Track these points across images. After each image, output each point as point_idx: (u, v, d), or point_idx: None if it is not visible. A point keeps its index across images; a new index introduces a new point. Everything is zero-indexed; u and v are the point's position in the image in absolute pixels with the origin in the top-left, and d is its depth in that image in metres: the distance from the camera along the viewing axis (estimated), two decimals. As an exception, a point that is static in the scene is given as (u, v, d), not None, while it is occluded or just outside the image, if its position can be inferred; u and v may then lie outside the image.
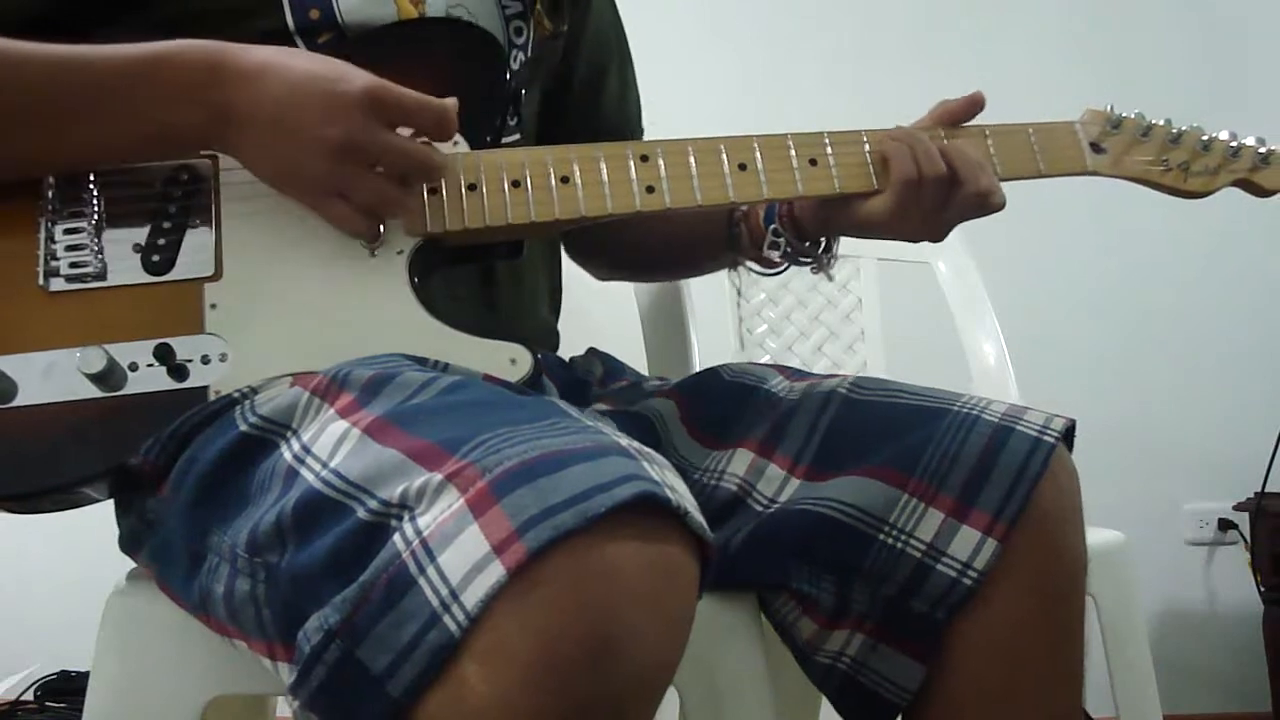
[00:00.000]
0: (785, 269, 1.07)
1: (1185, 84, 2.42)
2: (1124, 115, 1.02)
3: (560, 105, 1.11)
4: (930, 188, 0.93)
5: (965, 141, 0.97)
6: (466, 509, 0.57)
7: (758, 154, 0.93)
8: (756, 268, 1.09)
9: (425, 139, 0.84)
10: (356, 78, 0.79)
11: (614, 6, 1.21)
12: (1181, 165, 1.02)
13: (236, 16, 0.88)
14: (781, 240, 1.02)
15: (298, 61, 0.80)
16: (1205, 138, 1.03)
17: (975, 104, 0.99)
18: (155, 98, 0.80)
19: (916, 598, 0.82)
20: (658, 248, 1.19)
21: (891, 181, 0.93)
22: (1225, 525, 2.47)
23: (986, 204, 0.94)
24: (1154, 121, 1.03)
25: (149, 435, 0.79)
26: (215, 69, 0.80)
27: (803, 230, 1.02)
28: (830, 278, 1.07)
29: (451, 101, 0.84)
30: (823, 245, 1.03)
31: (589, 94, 1.15)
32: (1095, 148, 1.02)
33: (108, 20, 0.88)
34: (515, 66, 0.99)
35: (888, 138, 0.95)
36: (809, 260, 1.04)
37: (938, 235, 0.97)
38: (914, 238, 0.97)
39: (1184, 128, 1.03)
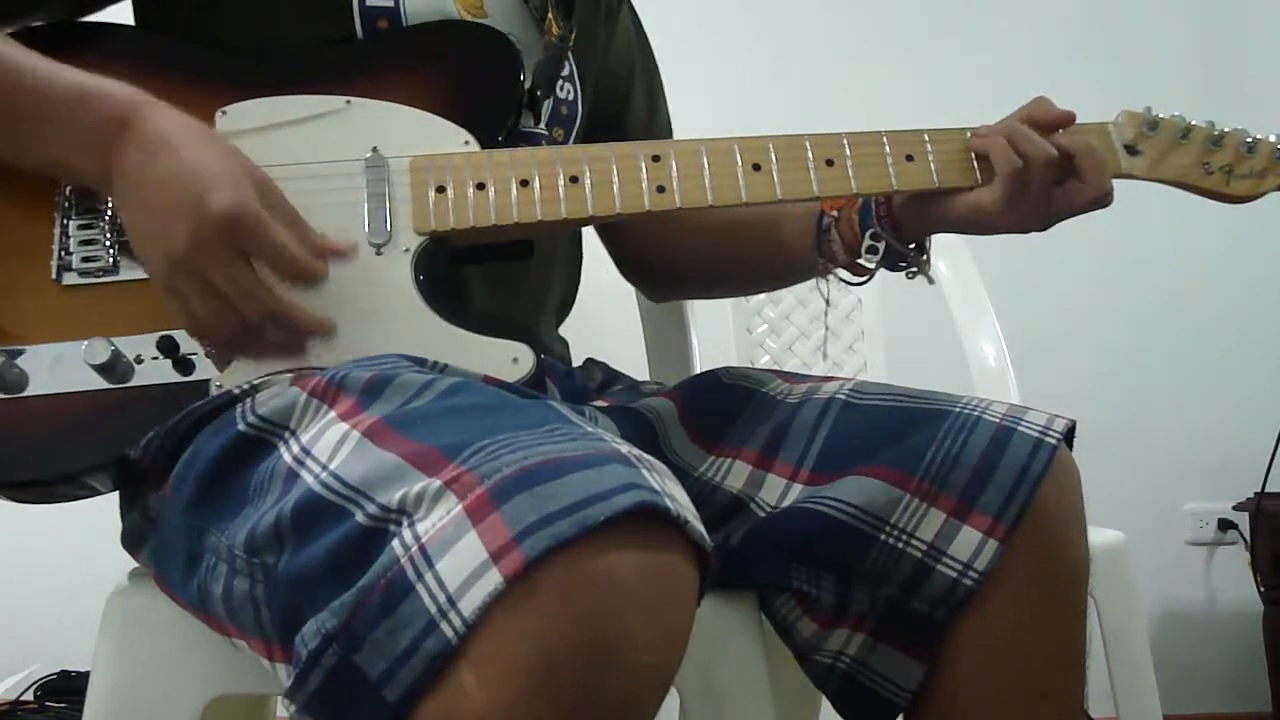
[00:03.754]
0: (873, 276, 1.02)
1: (1185, 85, 2.42)
2: (1161, 117, 0.98)
3: (584, 132, 1.08)
4: (1041, 172, 0.90)
5: (1092, 136, 0.94)
6: (465, 516, 0.57)
7: (772, 155, 0.92)
8: (847, 277, 1.04)
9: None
10: (227, 194, 0.76)
11: (639, 27, 1.20)
12: (1224, 168, 0.98)
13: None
14: (881, 245, 0.98)
15: (192, 151, 0.78)
16: (1250, 139, 0.99)
17: (1065, 119, 0.95)
18: (62, 133, 0.80)
19: (917, 598, 0.82)
20: (729, 266, 1.15)
21: (999, 174, 0.91)
22: (1225, 525, 2.48)
23: (1101, 202, 0.93)
24: (1194, 123, 0.99)
25: (154, 427, 0.79)
26: (121, 127, 0.79)
27: (902, 231, 0.98)
28: (931, 280, 1.02)
29: (315, 255, 0.80)
30: (919, 246, 0.99)
31: (612, 118, 1.13)
32: (1130, 150, 0.98)
33: None
34: (533, 69, 0.99)
35: (978, 135, 0.92)
36: (905, 264, 1.00)
37: (1045, 224, 0.94)
38: (1021, 229, 0.95)
39: (1226, 129, 0.99)
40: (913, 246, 0.99)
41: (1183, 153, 0.99)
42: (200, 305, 0.79)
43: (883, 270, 1.01)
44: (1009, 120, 0.94)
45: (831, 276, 1.06)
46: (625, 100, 1.17)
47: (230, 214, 0.76)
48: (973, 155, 0.94)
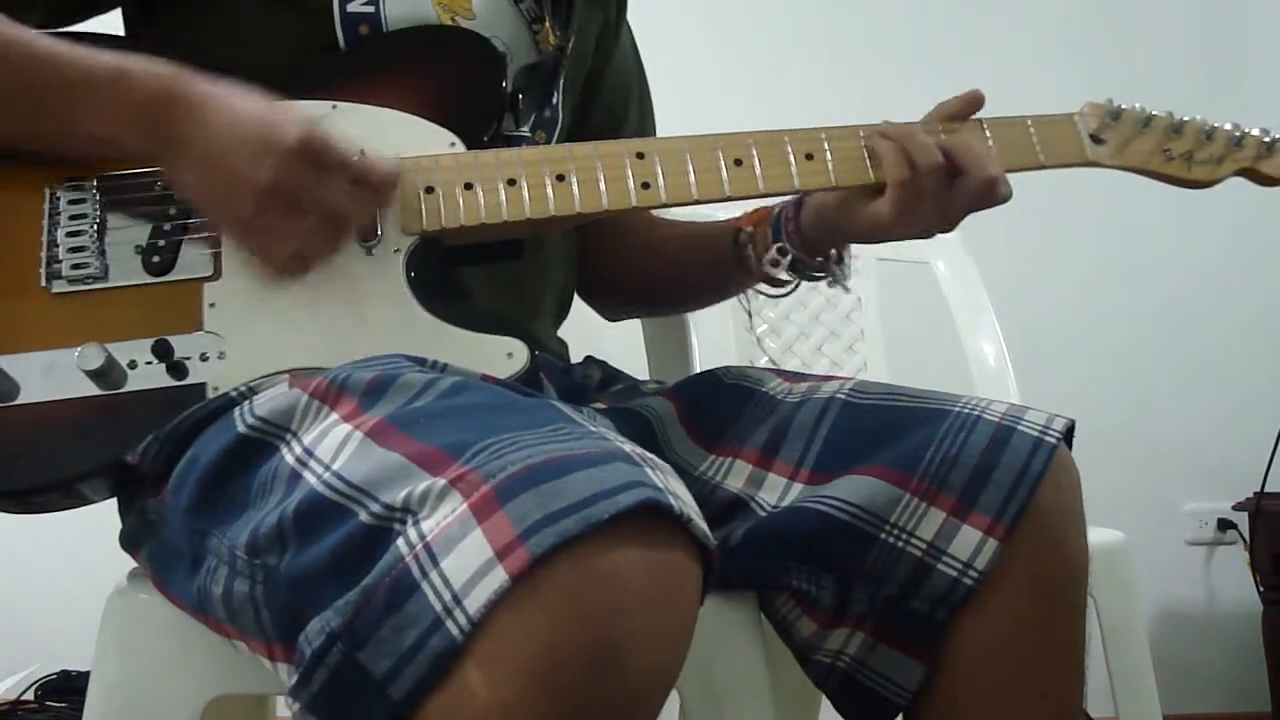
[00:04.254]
0: (795, 288, 1.06)
1: (1184, 80, 2.42)
2: (1124, 107, 1.02)
3: (578, 138, 1.10)
4: (929, 179, 0.92)
5: (966, 134, 0.96)
6: (470, 514, 0.57)
7: (754, 150, 0.93)
8: (767, 290, 1.08)
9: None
10: (294, 124, 0.80)
11: (633, 40, 1.21)
12: (1184, 155, 1.01)
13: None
14: (787, 258, 1.01)
15: (243, 101, 0.81)
16: (1208, 128, 1.02)
17: (973, 101, 0.98)
18: (108, 111, 0.81)
19: (917, 597, 0.82)
20: (666, 280, 1.19)
21: (889, 181, 0.93)
22: (1224, 525, 2.47)
23: (993, 193, 0.93)
24: (1154, 113, 1.02)
25: (149, 432, 0.79)
26: (167, 97, 0.81)
27: (810, 244, 1.01)
28: (846, 289, 1.06)
29: (391, 162, 0.84)
30: (834, 256, 1.02)
31: (607, 130, 1.15)
32: (1095, 139, 1.01)
33: None
34: (517, 73, 0.99)
35: (878, 134, 0.94)
36: (821, 274, 1.03)
37: (948, 226, 0.96)
38: (923, 233, 0.96)
39: (1185, 118, 1.02)
40: (825, 258, 1.01)
41: (1144, 140, 1.02)
42: (289, 232, 0.81)
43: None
44: (912, 125, 0.96)
45: (752, 291, 1.11)
46: (620, 123, 1.18)
47: (303, 137, 0.79)
48: (865, 155, 0.95)
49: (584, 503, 0.56)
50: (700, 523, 0.61)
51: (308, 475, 0.68)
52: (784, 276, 1.03)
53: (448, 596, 0.56)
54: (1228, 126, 1.03)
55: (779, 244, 1.02)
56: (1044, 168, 1.00)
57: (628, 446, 0.63)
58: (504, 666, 0.55)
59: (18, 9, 0.89)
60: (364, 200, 0.83)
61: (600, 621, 0.55)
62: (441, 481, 0.59)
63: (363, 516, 0.62)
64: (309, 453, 0.70)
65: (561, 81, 1.06)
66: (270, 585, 0.67)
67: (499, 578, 0.55)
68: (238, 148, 0.79)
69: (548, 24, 1.00)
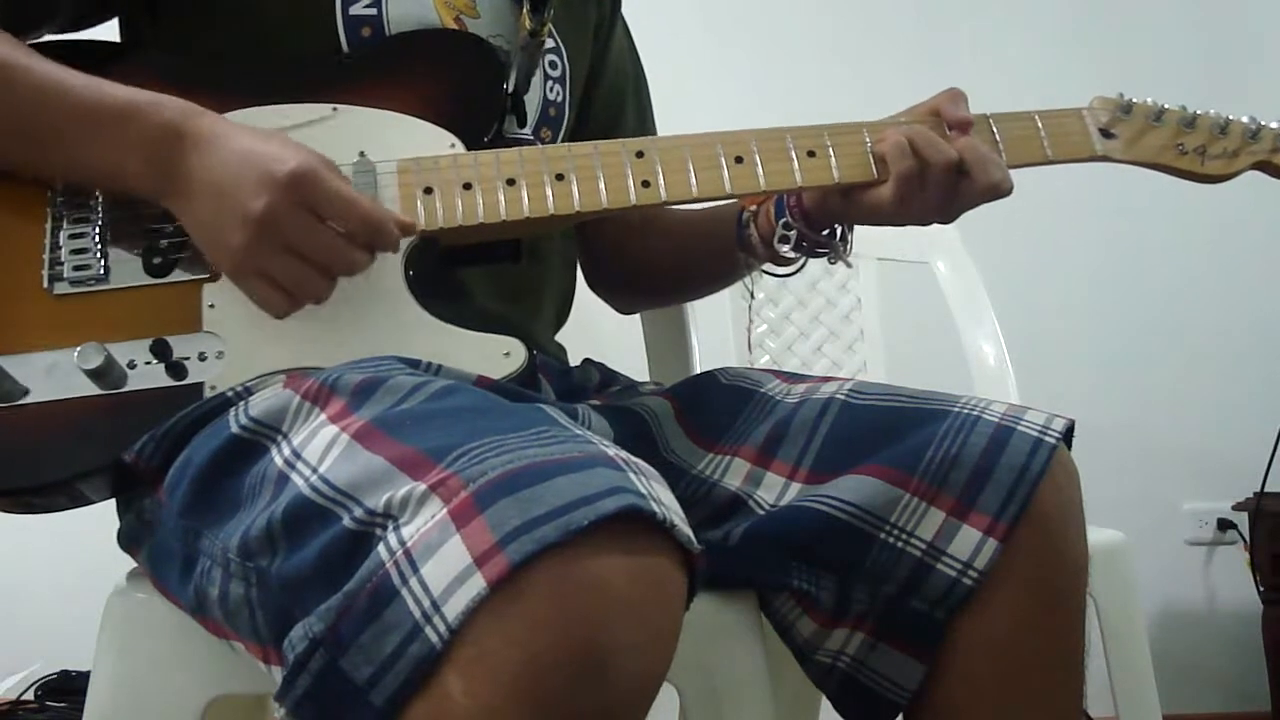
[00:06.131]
0: (801, 266, 1.06)
1: (1185, 81, 2.42)
2: (1134, 101, 1.00)
3: (577, 138, 1.10)
4: (935, 174, 0.92)
5: (975, 134, 0.96)
6: (449, 520, 0.57)
7: (755, 148, 0.93)
8: (772, 269, 1.08)
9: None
10: (292, 159, 0.79)
11: (629, 36, 1.22)
12: (1198, 149, 1.00)
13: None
14: (793, 233, 1.01)
15: (249, 138, 0.81)
16: (1222, 121, 1.01)
17: (966, 123, 0.97)
18: (117, 145, 0.82)
19: (917, 597, 0.82)
20: (671, 267, 1.19)
21: (893, 174, 0.93)
22: (1224, 525, 2.47)
23: (996, 194, 0.94)
24: (1167, 106, 1.01)
25: (147, 432, 0.79)
26: (176, 134, 0.81)
27: (813, 221, 1.01)
28: (849, 264, 1.06)
29: (389, 215, 0.83)
30: (837, 233, 1.02)
31: (606, 129, 1.15)
32: (1105, 133, 1.00)
33: None
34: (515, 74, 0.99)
35: (889, 127, 0.94)
36: (824, 250, 1.03)
37: (945, 220, 0.97)
38: (922, 222, 0.97)
39: (1199, 111, 1.01)
40: (828, 233, 1.02)
41: (1156, 135, 1.01)
42: (284, 274, 0.80)
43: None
44: (916, 119, 0.97)
45: (757, 272, 1.11)
46: (618, 119, 1.18)
47: (297, 172, 0.78)
48: (869, 152, 0.95)
49: (564, 509, 0.56)
50: (684, 528, 0.61)
51: (295, 477, 0.68)
52: (789, 254, 1.03)
53: (427, 603, 0.56)
54: (1244, 119, 1.01)
55: (783, 220, 1.01)
56: (1052, 163, 0.99)
57: (611, 450, 0.62)
58: (485, 674, 0.55)
59: (43, 13, 0.89)
60: (352, 250, 0.81)
61: (582, 628, 0.55)
62: (422, 486, 0.59)
63: (346, 521, 0.62)
64: (297, 454, 0.70)
65: (567, 79, 1.06)
66: (263, 588, 0.67)
67: (477, 585, 0.55)
68: (236, 180, 0.79)
69: (525, 12, 1.00)
